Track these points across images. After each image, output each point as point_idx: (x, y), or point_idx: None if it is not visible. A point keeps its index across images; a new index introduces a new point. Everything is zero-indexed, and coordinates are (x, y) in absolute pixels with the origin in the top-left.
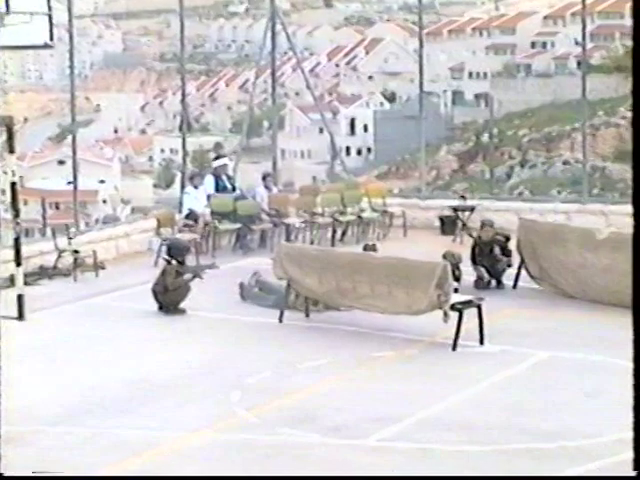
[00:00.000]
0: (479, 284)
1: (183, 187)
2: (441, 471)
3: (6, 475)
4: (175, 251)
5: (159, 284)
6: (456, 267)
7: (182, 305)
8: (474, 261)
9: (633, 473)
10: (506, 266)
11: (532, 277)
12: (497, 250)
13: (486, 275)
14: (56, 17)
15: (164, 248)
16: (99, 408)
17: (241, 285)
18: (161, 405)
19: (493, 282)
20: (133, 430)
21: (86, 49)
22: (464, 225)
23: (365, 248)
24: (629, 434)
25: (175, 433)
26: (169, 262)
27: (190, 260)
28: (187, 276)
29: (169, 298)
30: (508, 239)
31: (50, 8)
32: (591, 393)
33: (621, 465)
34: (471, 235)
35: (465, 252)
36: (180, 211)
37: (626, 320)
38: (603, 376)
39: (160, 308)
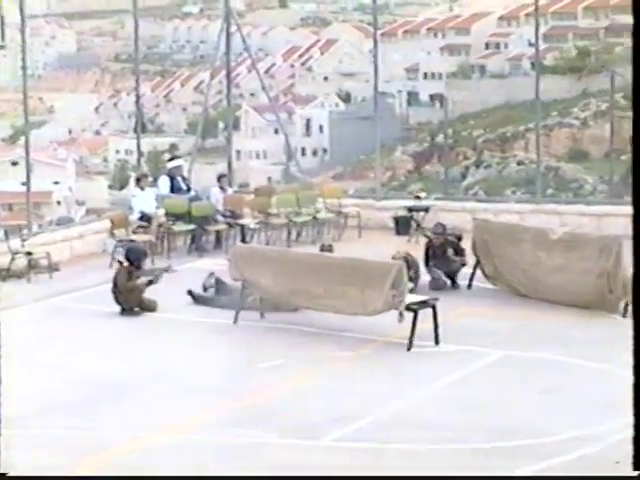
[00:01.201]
0: (434, 284)
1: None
2: (398, 470)
3: (6, 475)
4: (132, 255)
5: (114, 289)
6: (409, 268)
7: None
8: (427, 263)
9: (634, 473)
10: (460, 266)
11: (487, 277)
12: (450, 252)
13: (442, 277)
14: (8, 17)
15: (119, 249)
16: (53, 410)
17: (190, 292)
18: (116, 407)
19: (448, 282)
20: (87, 432)
21: (39, 49)
22: (418, 225)
23: (321, 249)
24: (584, 431)
25: (130, 434)
26: (121, 263)
27: (146, 261)
28: (142, 280)
29: (123, 300)
30: (460, 239)
31: (1, 8)
32: (545, 391)
33: (578, 462)
34: (426, 235)
35: (420, 252)
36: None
37: (579, 319)
38: (557, 374)
39: (123, 310)
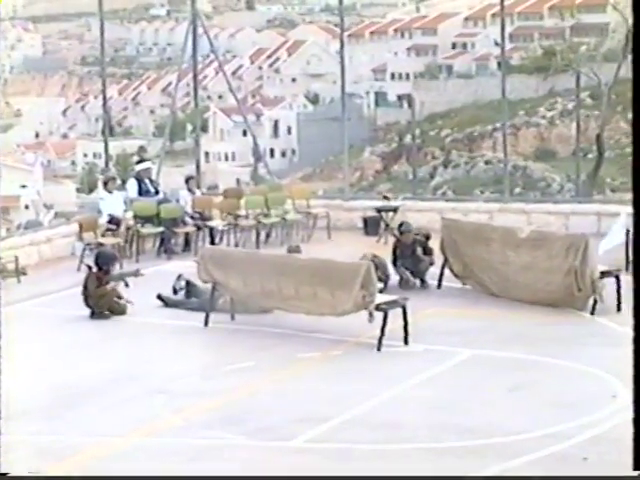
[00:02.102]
0: (403, 285)
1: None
2: (368, 471)
3: (6, 475)
4: (102, 260)
5: (84, 292)
6: (377, 268)
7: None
8: (395, 263)
9: (635, 473)
10: (429, 265)
11: (456, 276)
12: (419, 251)
13: (410, 277)
14: None
15: (87, 253)
16: (23, 415)
17: (159, 296)
18: (85, 410)
19: (417, 282)
20: (56, 436)
21: (5, 53)
22: (387, 226)
23: (289, 250)
24: (552, 429)
25: (99, 438)
26: (90, 269)
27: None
28: (112, 284)
29: (93, 303)
30: (428, 238)
31: None
32: (514, 390)
33: (547, 460)
34: (394, 235)
35: (388, 253)
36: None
37: (544, 318)
38: (525, 373)
39: (92, 314)
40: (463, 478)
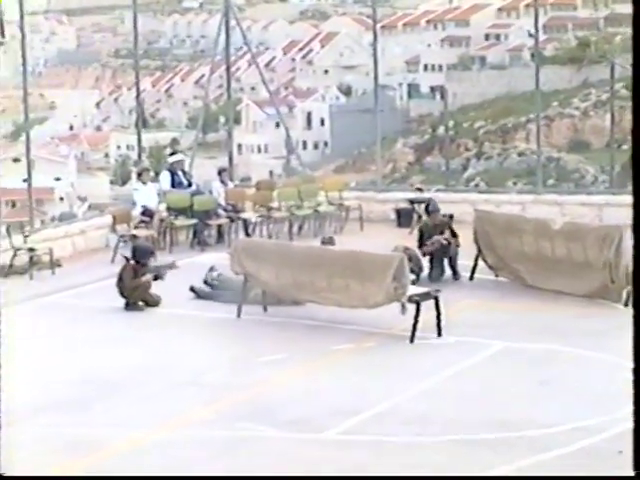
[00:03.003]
0: (434, 277)
1: None
2: (400, 463)
3: (6, 475)
4: (139, 254)
5: (119, 283)
6: (410, 260)
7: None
8: (420, 246)
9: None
10: (456, 249)
11: (490, 267)
12: (447, 233)
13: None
14: (7, 14)
15: (121, 245)
16: (56, 406)
17: (192, 288)
18: (117, 402)
19: (448, 271)
20: (88, 428)
21: (39, 46)
22: (420, 217)
23: (323, 241)
24: (584, 423)
25: (131, 430)
26: (128, 260)
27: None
28: (148, 276)
29: (128, 294)
30: (452, 217)
31: (0, 5)
32: (546, 382)
33: (578, 454)
34: (419, 217)
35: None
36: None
37: (580, 310)
38: (558, 365)
39: (127, 305)
40: (463, 478)
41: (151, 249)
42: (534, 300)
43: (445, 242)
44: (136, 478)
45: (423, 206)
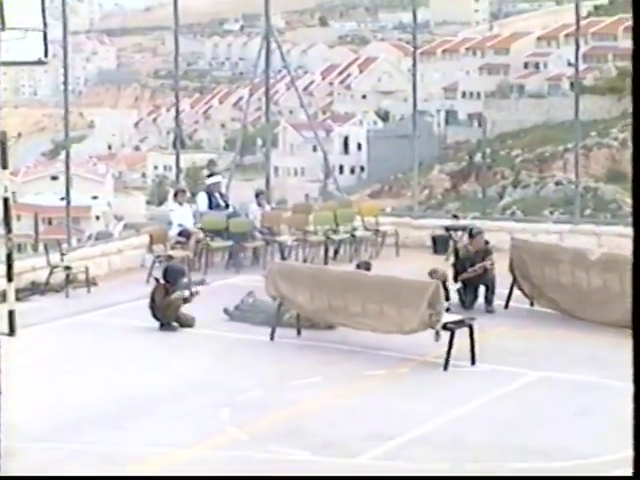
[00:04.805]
0: (466, 303)
1: None
2: None
3: (6, 475)
4: (170, 274)
5: (151, 304)
6: (445, 287)
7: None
8: (456, 278)
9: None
10: (494, 277)
11: (526, 296)
12: (491, 258)
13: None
14: (50, 33)
15: (157, 265)
16: (88, 424)
17: (225, 310)
18: (150, 421)
19: (480, 299)
20: (121, 446)
21: (80, 65)
22: (456, 245)
23: (358, 266)
24: (619, 455)
25: (164, 449)
26: (158, 281)
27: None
28: (178, 294)
29: (160, 315)
30: (487, 243)
31: (45, 24)
32: (581, 413)
33: None
34: (457, 248)
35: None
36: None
37: (617, 340)
38: (594, 396)
39: (161, 326)
40: (463, 478)
41: (182, 269)
42: (570, 330)
43: (490, 266)
44: (138, 478)
45: (460, 233)
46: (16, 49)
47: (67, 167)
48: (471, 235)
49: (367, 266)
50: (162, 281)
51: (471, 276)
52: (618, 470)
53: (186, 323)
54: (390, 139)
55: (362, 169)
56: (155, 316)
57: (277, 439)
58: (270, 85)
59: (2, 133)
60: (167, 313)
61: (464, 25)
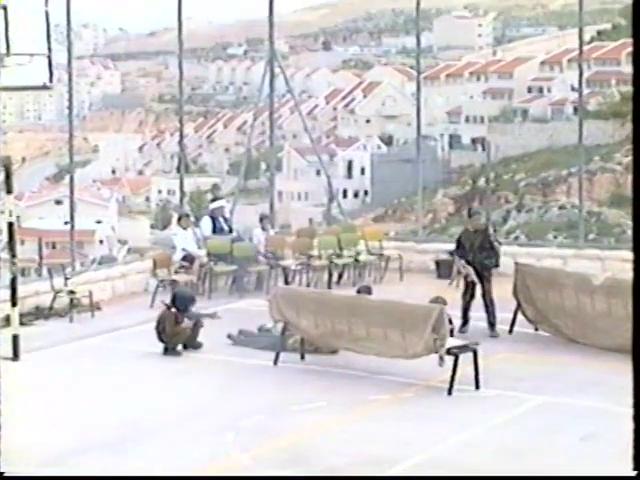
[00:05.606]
0: (464, 329)
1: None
2: None
3: (6, 475)
4: (180, 301)
5: (158, 328)
6: None
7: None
8: (458, 253)
9: (634, 473)
10: (495, 263)
11: (530, 320)
12: (492, 237)
13: (471, 272)
14: (55, 58)
15: (160, 290)
16: (93, 449)
17: (229, 336)
18: (154, 446)
19: (484, 324)
20: (124, 471)
21: (85, 90)
22: (459, 271)
23: (359, 290)
24: None
25: (168, 474)
26: (169, 308)
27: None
28: (187, 323)
29: (167, 340)
30: (487, 229)
31: (50, 49)
32: (586, 438)
33: None
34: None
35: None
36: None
37: (621, 365)
38: (598, 421)
39: (165, 350)
40: (463, 478)
41: (192, 296)
42: (574, 355)
43: (471, 279)
44: (137, 478)
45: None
46: (21, 74)
47: (71, 191)
48: (470, 215)
49: (368, 290)
50: (172, 308)
51: (465, 273)
52: None
53: (194, 345)
54: (394, 163)
55: (366, 193)
56: (161, 339)
57: (281, 463)
58: (274, 109)
59: (7, 158)
60: (174, 339)
61: (467, 50)
